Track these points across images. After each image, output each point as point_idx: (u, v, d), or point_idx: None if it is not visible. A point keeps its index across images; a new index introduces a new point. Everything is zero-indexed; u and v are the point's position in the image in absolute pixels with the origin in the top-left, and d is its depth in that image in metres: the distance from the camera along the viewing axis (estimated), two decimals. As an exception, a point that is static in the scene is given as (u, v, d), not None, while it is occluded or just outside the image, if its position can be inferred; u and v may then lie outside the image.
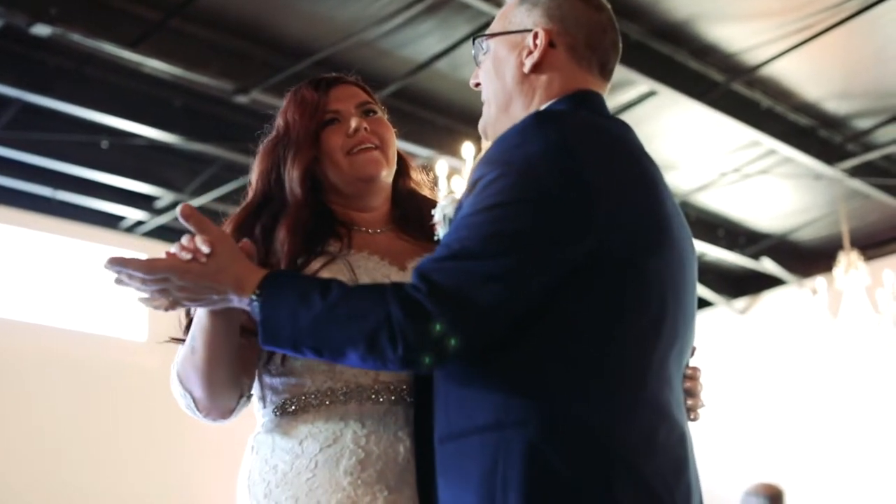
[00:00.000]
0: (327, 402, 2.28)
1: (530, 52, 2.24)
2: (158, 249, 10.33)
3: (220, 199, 9.59)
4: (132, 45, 7.26)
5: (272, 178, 2.50)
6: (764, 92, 8.51)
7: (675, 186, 10.04)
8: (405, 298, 1.92)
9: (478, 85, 2.41)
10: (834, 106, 8.81)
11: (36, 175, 9.14)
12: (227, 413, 2.39)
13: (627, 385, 1.98)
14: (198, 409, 2.37)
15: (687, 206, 10.15)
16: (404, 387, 2.29)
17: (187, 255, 2.14)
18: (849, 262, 9.71)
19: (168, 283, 2.16)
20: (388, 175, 2.56)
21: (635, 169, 2.13)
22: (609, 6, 2.37)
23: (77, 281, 9.90)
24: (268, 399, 2.39)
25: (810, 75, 8.34)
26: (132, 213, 9.88)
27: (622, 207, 2.03)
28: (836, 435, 11.02)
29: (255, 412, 2.47)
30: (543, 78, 2.26)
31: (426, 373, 2.08)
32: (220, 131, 8.67)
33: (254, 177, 2.53)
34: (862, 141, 9.34)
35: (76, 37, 7.13)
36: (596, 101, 2.27)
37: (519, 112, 2.24)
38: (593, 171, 2.01)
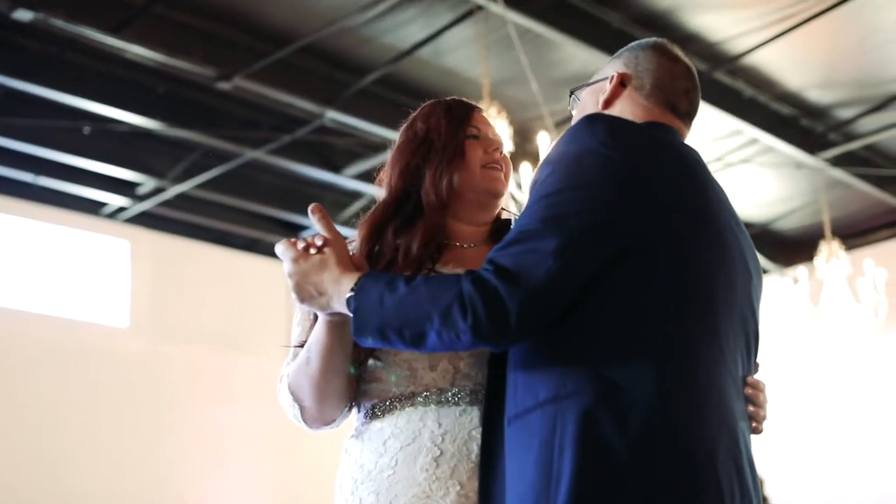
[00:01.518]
0: (409, 405, 2.45)
1: (604, 92, 2.48)
2: (140, 236, 10.38)
3: (203, 186, 9.59)
4: (115, 31, 7.24)
5: (410, 178, 2.63)
6: (746, 81, 8.53)
7: (657, 175, 10.06)
8: (476, 278, 2.10)
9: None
10: (816, 95, 8.84)
11: (17, 161, 9.11)
12: (330, 422, 2.58)
13: (676, 362, 2.12)
14: (304, 419, 2.54)
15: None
16: (480, 390, 2.44)
17: (301, 245, 2.35)
18: (830, 252, 9.76)
19: (285, 270, 2.34)
20: (503, 200, 2.73)
21: (682, 171, 2.30)
22: (688, 60, 2.55)
23: (59, 267, 9.89)
24: (361, 405, 2.56)
25: (792, 65, 8.37)
26: (114, 200, 9.86)
27: (665, 200, 2.20)
28: (815, 423, 11.08)
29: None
30: (614, 111, 2.46)
31: (494, 347, 2.19)
32: (203, 117, 8.66)
33: (391, 176, 2.66)
34: (844, 130, 9.38)
35: (58, 22, 7.10)
36: (663, 128, 2.41)
37: None
38: (637, 164, 2.20)
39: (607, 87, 2.49)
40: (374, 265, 2.50)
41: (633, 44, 2.57)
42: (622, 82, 2.47)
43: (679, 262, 2.17)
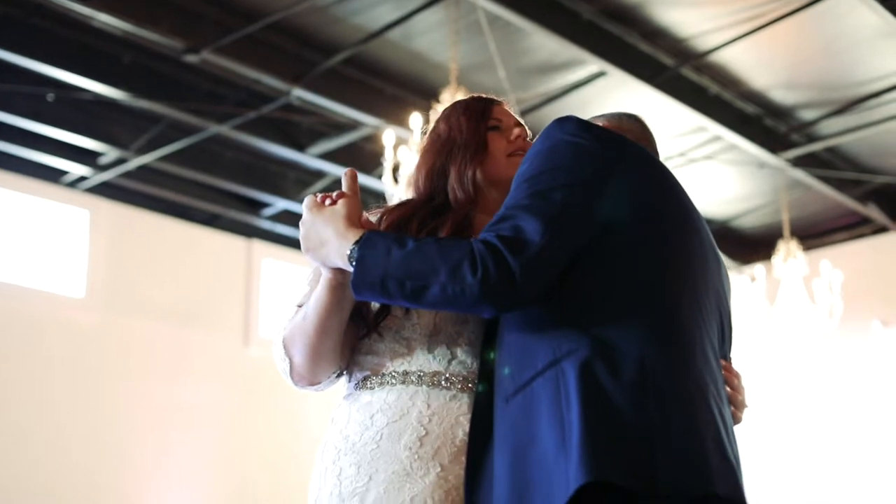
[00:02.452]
0: (402, 382, 2.50)
1: None
2: (101, 206, 10.30)
3: (165, 159, 9.55)
4: (83, -1, 7.20)
5: (436, 179, 2.70)
6: (712, 78, 8.58)
7: (620, 168, 10.09)
8: (484, 240, 2.21)
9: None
10: (780, 95, 8.90)
11: (-21, 125, 9.05)
12: (316, 383, 2.61)
13: (661, 322, 2.25)
14: (292, 375, 2.57)
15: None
16: (473, 379, 2.50)
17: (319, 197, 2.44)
18: (788, 251, 9.84)
19: (302, 219, 2.43)
20: None
21: (649, 158, 2.45)
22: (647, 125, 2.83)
23: (16, 234, 9.82)
24: (353, 374, 2.60)
25: (759, 64, 8.42)
26: (75, 168, 9.80)
27: (638, 180, 2.36)
28: (769, 420, 11.15)
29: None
30: None
31: (495, 308, 2.24)
32: (169, 90, 8.62)
33: (418, 179, 2.73)
34: (806, 132, 9.45)
35: (26, -13, 7.07)
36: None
37: None
38: (608, 147, 2.36)
39: None
40: None
41: (610, 114, 2.83)
42: None
43: (659, 236, 2.32)
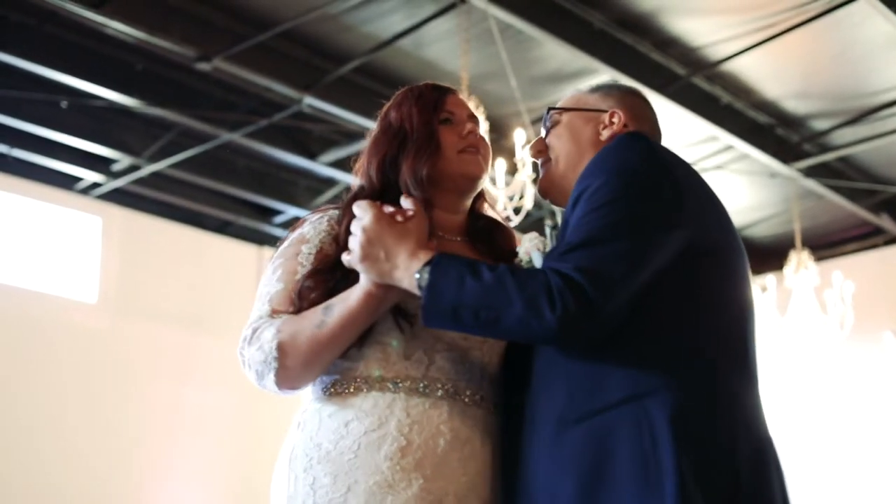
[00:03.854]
0: (377, 389, 2.42)
1: (606, 126, 2.62)
2: (113, 212, 10.32)
3: (177, 166, 9.57)
4: (95, 6, 7.20)
5: (389, 169, 2.60)
6: (724, 87, 8.56)
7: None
8: (561, 273, 2.18)
9: (540, 152, 2.70)
10: (792, 105, 8.88)
11: (-8, 132, 9.08)
12: (299, 388, 2.48)
13: (739, 360, 2.34)
14: (277, 379, 2.40)
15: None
16: (451, 386, 2.44)
17: (390, 208, 2.36)
18: (799, 262, 9.81)
19: (362, 224, 2.34)
20: (482, 182, 2.73)
21: (705, 184, 2.48)
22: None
23: (29, 240, 9.85)
24: (319, 378, 2.50)
25: (771, 73, 8.40)
26: (88, 175, 9.82)
27: (705, 206, 2.40)
28: (780, 431, 11.10)
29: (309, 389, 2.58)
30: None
31: (570, 343, 2.24)
32: (181, 97, 8.64)
33: (368, 167, 2.63)
34: (818, 141, 9.43)
35: (39, -6, 7.09)
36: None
37: (576, 173, 2.52)
38: (679, 174, 2.38)
39: (607, 120, 2.63)
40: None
41: (613, 85, 2.78)
42: (625, 124, 2.64)
43: (726, 268, 2.39)
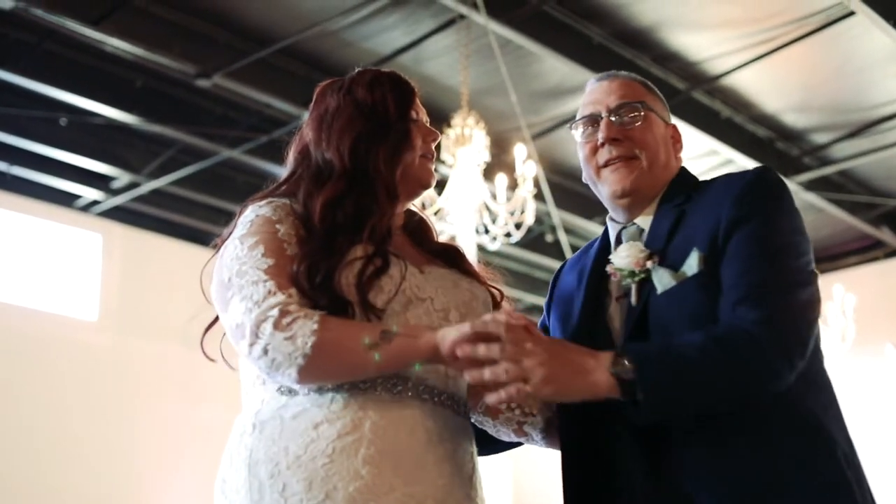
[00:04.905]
0: (346, 389, 2.31)
1: (676, 142, 2.68)
2: (114, 229, 10.30)
3: (178, 183, 9.56)
4: (94, 23, 7.22)
5: (362, 153, 2.51)
6: (724, 102, 8.57)
7: (631, 191, 10.09)
8: (771, 326, 2.23)
9: (619, 142, 2.57)
10: (792, 119, 8.88)
11: (-8, 149, 9.08)
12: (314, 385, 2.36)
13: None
14: (299, 375, 2.24)
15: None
16: (422, 384, 2.36)
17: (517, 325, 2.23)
18: (800, 275, 9.79)
19: (529, 359, 2.17)
20: None
21: None
22: None
23: (30, 257, 9.84)
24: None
25: (770, 88, 8.41)
26: (88, 192, 9.82)
27: None
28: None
29: (251, 388, 2.48)
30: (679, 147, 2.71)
31: (773, 388, 2.26)
32: (181, 114, 8.64)
33: (340, 144, 2.52)
34: (818, 155, 9.43)
35: (38, 11, 7.08)
36: None
37: (663, 179, 2.60)
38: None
39: (672, 135, 2.68)
40: (330, 239, 2.38)
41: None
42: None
43: None
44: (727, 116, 8.72)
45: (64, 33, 7.49)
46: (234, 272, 2.40)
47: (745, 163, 9.01)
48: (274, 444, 2.31)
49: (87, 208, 10.14)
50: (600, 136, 2.55)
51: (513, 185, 7.56)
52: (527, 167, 7.47)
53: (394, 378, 2.33)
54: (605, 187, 2.57)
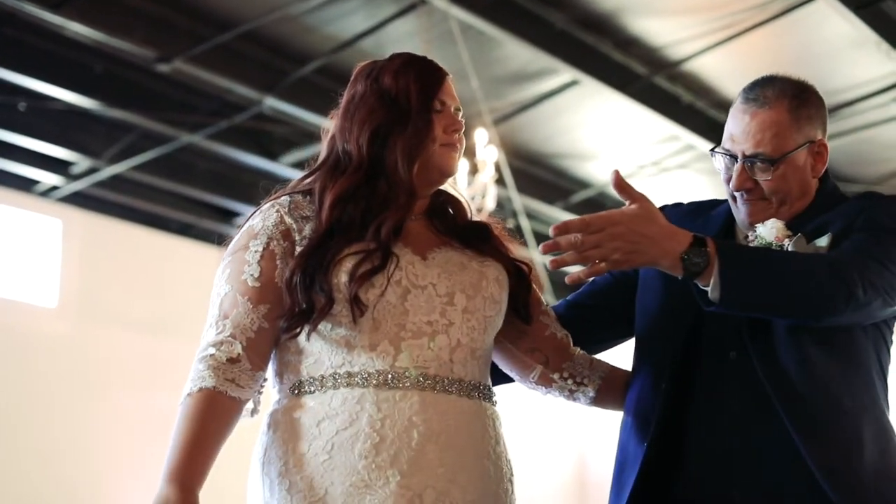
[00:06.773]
0: (345, 385, 2.36)
1: (820, 156, 2.71)
2: (73, 215, 10.23)
3: (138, 168, 9.51)
4: (54, 7, 7.17)
5: (380, 145, 2.50)
6: (685, 87, 8.59)
7: (593, 177, 10.12)
8: (854, 265, 2.39)
9: (751, 191, 2.67)
10: (754, 105, 8.91)
11: (-51, 134, 9.00)
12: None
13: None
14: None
15: (605, 198, 10.24)
16: (420, 373, 2.36)
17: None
18: (762, 260, 9.85)
19: (603, 236, 2.29)
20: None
21: None
22: None
23: (-13, 243, 9.77)
24: (284, 376, 2.45)
25: (732, 73, 8.43)
26: (47, 178, 9.75)
27: None
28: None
29: (270, 387, 2.51)
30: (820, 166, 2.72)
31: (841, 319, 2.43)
32: (141, 99, 8.59)
33: (358, 135, 2.52)
34: (779, 140, 9.47)
35: (-3, -4, 7.03)
36: None
37: (797, 207, 2.67)
38: None
39: (816, 150, 2.71)
40: (336, 235, 2.40)
41: (810, 99, 2.89)
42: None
43: None
44: (688, 102, 8.75)
45: (23, 17, 7.42)
46: (213, 293, 2.50)
47: (707, 148, 9.02)
48: (284, 444, 2.39)
49: (46, 194, 10.07)
50: (732, 183, 2.69)
51: (474, 171, 7.57)
52: (488, 152, 7.47)
53: (390, 370, 2.35)
54: (737, 214, 2.74)
